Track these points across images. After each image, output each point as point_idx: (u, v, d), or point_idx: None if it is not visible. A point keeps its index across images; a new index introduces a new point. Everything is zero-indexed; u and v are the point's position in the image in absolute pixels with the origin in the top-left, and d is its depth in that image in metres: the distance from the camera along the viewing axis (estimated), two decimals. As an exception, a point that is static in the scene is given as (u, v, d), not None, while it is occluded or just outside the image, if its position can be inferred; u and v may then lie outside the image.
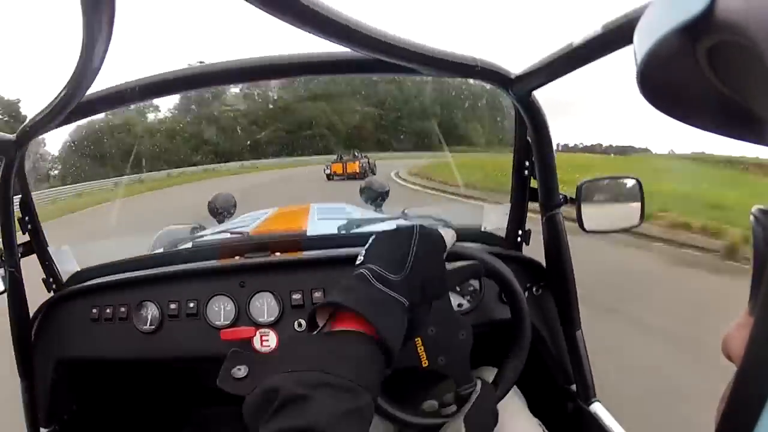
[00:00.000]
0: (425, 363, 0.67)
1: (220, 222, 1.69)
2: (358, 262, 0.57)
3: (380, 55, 0.61)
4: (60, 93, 0.69)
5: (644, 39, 0.20)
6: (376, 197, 1.41)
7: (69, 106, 0.69)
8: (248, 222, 1.66)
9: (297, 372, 0.43)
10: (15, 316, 0.87)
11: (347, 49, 0.62)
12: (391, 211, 1.47)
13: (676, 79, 0.21)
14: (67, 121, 0.77)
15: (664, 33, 0.18)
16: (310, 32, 0.54)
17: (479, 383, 0.69)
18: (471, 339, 0.69)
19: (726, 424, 0.18)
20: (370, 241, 0.61)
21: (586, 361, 0.85)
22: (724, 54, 0.18)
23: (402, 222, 1.24)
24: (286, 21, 0.51)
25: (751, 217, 0.21)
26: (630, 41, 0.21)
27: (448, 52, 0.67)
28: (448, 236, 0.62)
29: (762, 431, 0.16)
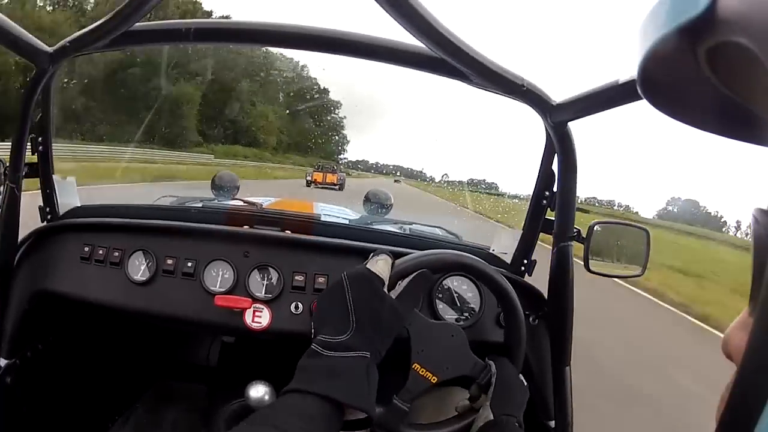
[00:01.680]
0: (434, 380, 0.68)
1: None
2: (312, 335, 0.59)
3: (447, 56, 0.64)
4: (111, 15, 0.69)
5: (645, 39, 0.20)
6: (380, 208, 1.43)
7: (118, 29, 0.70)
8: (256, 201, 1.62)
9: (251, 426, 0.48)
10: (2, 237, 0.84)
11: (410, 42, 0.66)
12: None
13: (677, 80, 0.21)
14: (109, 46, 0.77)
15: (664, 33, 0.18)
16: (399, 22, 0.58)
17: (493, 365, 0.70)
18: (463, 334, 0.71)
19: (726, 424, 0.18)
20: (315, 309, 0.63)
21: (570, 398, 0.85)
22: (725, 55, 0.19)
23: (402, 230, 1.25)
24: (380, 4, 0.55)
25: (751, 218, 0.21)
26: None
27: (500, 65, 0.72)
28: (381, 265, 0.63)
29: (762, 431, 0.16)
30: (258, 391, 0.84)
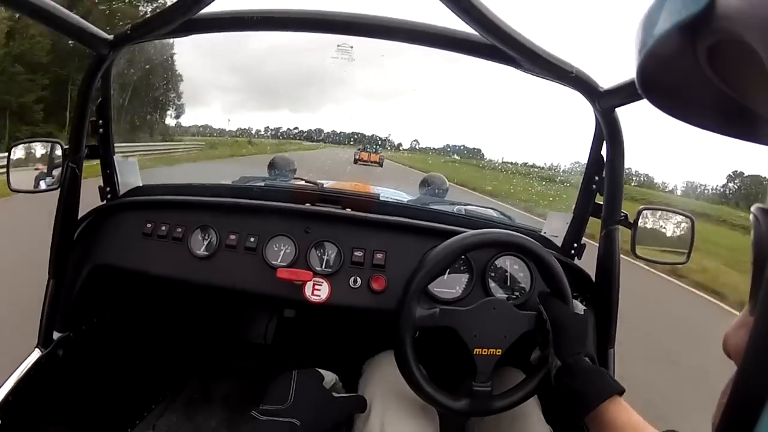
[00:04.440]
0: (499, 352, 0.77)
1: None
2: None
3: (501, 44, 0.71)
4: (176, 2, 0.75)
5: (644, 37, 0.20)
6: (435, 192, 1.52)
7: (182, 17, 0.76)
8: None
9: None
10: (63, 213, 0.93)
11: (464, 29, 0.73)
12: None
13: (677, 78, 0.22)
14: (171, 34, 0.85)
15: (664, 31, 0.19)
16: (452, 9, 0.64)
17: (543, 311, 0.78)
18: (502, 301, 0.80)
19: (726, 423, 0.19)
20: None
21: None
22: (725, 53, 0.19)
23: (462, 211, 1.32)
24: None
25: (751, 216, 0.21)
26: None
27: (550, 53, 0.78)
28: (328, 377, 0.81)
29: (762, 431, 0.16)
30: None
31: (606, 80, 0.86)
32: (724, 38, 0.18)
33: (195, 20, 0.79)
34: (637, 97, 0.80)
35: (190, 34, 0.89)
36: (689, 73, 0.21)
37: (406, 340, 0.77)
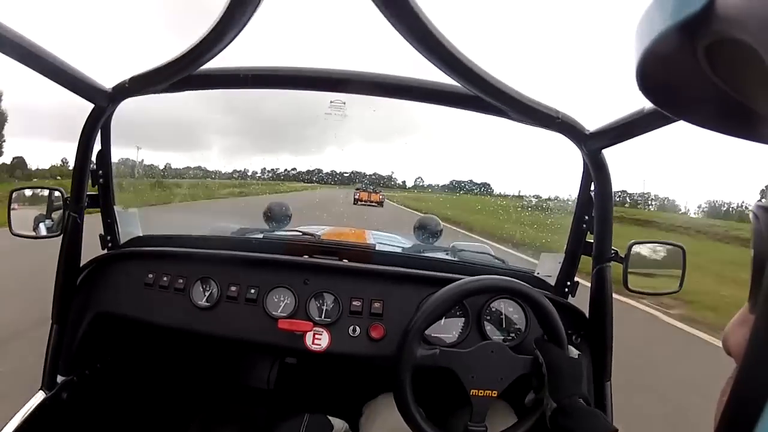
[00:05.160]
0: (495, 394, 0.81)
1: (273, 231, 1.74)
2: None
3: (486, 96, 0.73)
4: (176, 57, 0.75)
5: (643, 36, 0.20)
6: (429, 237, 1.55)
7: (181, 73, 0.78)
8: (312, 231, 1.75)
9: None
10: (65, 261, 0.96)
11: (447, 81, 0.75)
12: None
13: (676, 77, 0.22)
14: (169, 89, 0.87)
15: (663, 30, 0.19)
16: (437, 65, 0.67)
17: (540, 355, 0.81)
18: (501, 345, 0.83)
19: (726, 422, 0.19)
20: None
21: (611, 413, 0.94)
22: (724, 52, 0.19)
23: (451, 257, 1.35)
24: (419, 50, 0.64)
25: (751, 214, 0.21)
26: None
27: (535, 100, 0.80)
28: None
29: (763, 430, 0.16)
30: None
31: (592, 113, 0.90)
32: (723, 37, 0.18)
33: (192, 77, 0.81)
34: (623, 139, 0.82)
35: (188, 90, 0.92)
36: (689, 72, 0.21)
37: (405, 382, 0.80)
